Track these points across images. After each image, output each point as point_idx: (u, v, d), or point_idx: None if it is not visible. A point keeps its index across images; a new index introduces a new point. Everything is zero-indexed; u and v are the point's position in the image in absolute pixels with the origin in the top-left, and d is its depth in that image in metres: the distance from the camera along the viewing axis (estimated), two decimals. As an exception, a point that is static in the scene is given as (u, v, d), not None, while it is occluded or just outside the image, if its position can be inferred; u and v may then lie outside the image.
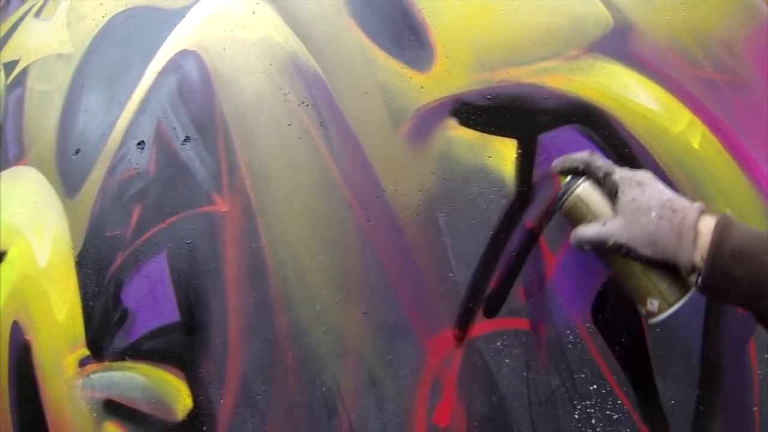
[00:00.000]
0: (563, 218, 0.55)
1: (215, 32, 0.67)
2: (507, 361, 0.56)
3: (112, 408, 0.68)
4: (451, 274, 0.55)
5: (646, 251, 0.48)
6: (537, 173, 0.57)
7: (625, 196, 0.50)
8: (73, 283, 0.69)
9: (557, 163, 0.55)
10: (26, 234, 0.74)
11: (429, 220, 0.55)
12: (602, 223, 0.51)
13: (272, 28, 0.65)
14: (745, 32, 0.72)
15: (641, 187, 0.50)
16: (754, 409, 0.63)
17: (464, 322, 0.55)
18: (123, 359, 0.66)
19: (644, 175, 0.51)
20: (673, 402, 0.60)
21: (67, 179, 0.71)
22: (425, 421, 0.55)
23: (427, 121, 0.57)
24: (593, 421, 0.58)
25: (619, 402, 0.59)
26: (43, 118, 0.76)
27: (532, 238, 0.56)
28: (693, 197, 0.63)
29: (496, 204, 0.56)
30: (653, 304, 0.51)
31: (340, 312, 0.55)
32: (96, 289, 0.67)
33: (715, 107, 0.67)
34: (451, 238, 0.55)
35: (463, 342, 0.55)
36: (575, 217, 0.53)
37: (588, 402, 0.58)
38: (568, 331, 0.57)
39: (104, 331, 0.67)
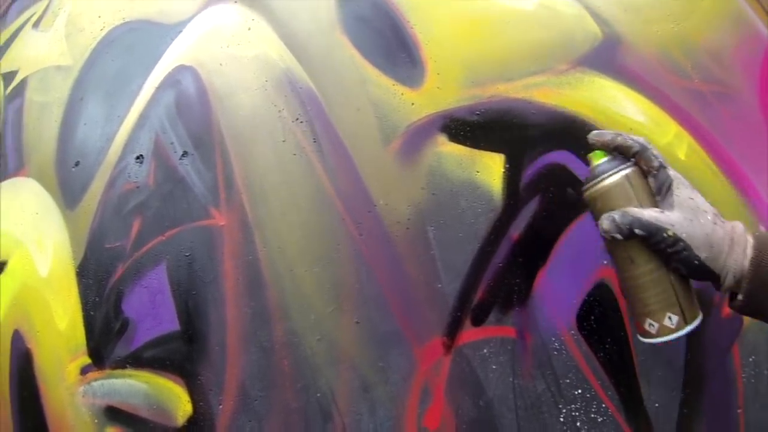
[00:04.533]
0: (590, 199, 0.54)
1: (212, 48, 0.73)
2: (494, 367, 0.62)
3: (113, 414, 0.74)
4: (439, 285, 0.61)
5: (702, 253, 0.48)
6: (523, 186, 0.63)
7: (681, 192, 0.50)
8: (74, 293, 0.75)
9: (604, 135, 0.53)
10: (27, 244, 0.80)
11: (418, 233, 0.61)
12: (660, 210, 0.50)
13: (267, 45, 0.71)
14: (734, 42, 0.77)
15: (694, 190, 0.52)
16: (739, 411, 0.69)
17: (452, 330, 0.61)
18: (124, 367, 0.72)
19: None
20: (657, 405, 0.66)
21: (67, 191, 0.77)
22: (416, 425, 0.61)
23: (417, 137, 0.63)
24: (578, 424, 0.64)
25: (604, 405, 0.65)
26: (42, 129, 0.82)
27: (518, 250, 0.62)
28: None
29: (483, 217, 0.61)
30: (671, 320, 0.51)
31: (334, 321, 0.61)
32: (97, 299, 0.73)
33: (702, 118, 0.72)
34: (439, 251, 0.61)
35: (452, 349, 0.61)
36: (613, 200, 0.51)
37: (573, 406, 0.64)
38: (554, 339, 0.63)
39: (105, 339, 0.73)
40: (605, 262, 0.65)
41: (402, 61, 0.66)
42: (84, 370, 0.75)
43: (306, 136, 0.65)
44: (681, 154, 0.70)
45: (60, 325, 0.77)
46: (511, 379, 0.62)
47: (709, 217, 0.50)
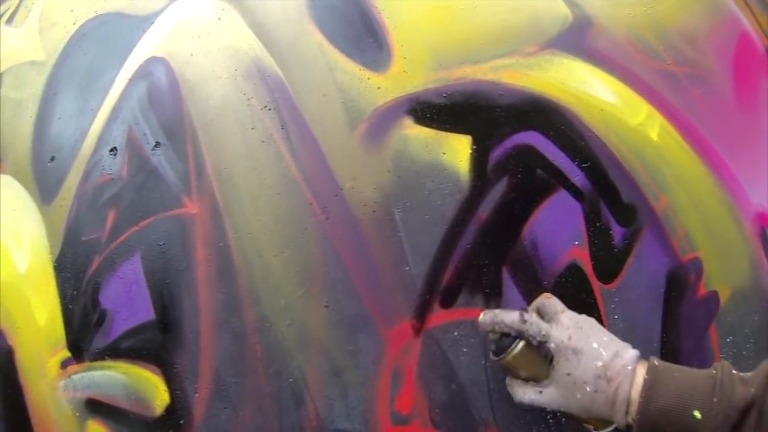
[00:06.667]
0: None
1: (183, 39, 0.76)
2: (465, 350, 0.64)
3: (94, 407, 0.77)
4: (407, 268, 0.63)
5: (582, 416, 0.58)
6: (491, 167, 0.65)
7: (560, 368, 0.57)
8: (52, 288, 0.78)
9: (486, 321, 0.60)
10: (5, 241, 0.83)
11: (385, 216, 0.64)
12: (539, 390, 0.58)
13: (237, 34, 0.73)
14: (708, 26, 0.79)
15: (577, 357, 0.56)
16: (717, 390, 0.71)
17: (421, 313, 0.64)
18: (103, 359, 0.75)
19: (579, 338, 0.57)
20: (634, 386, 0.68)
21: (43, 186, 0.80)
22: (388, 409, 0.64)
23: (383, 120, 0.65)
24: (554, 407, 0.66)
25: (580, 388, 0.67)
26: (18, 126, 0.86)
27: (486, 232, 0.65)
28: (651, 186, 0.71)
29: (450, 199, 0.64)
30: (588, 427, 0.60)
31: (303, 306, 0.64)
32: (75, 293, 0.76)
33: (675, 99, 0.74)
34: (406, 233, 0.63)
35: (421, 332, 0.63)
36: (511, 371, 0.61)
37: (548, 388, 0.66)
38: (525, 320, 0.65)
39: (84, 332, 0.76)
40: (576, 242, 0.67)
41: (369, 47, 0.68)
42: (64, 364, 0.78)
43: (274, 123, 0.67)
44: (653, 135, 0.72)
45: (40, 320, 0.80)
46: (483, 362, 0.65)
47: (588, 389, 0.55)
